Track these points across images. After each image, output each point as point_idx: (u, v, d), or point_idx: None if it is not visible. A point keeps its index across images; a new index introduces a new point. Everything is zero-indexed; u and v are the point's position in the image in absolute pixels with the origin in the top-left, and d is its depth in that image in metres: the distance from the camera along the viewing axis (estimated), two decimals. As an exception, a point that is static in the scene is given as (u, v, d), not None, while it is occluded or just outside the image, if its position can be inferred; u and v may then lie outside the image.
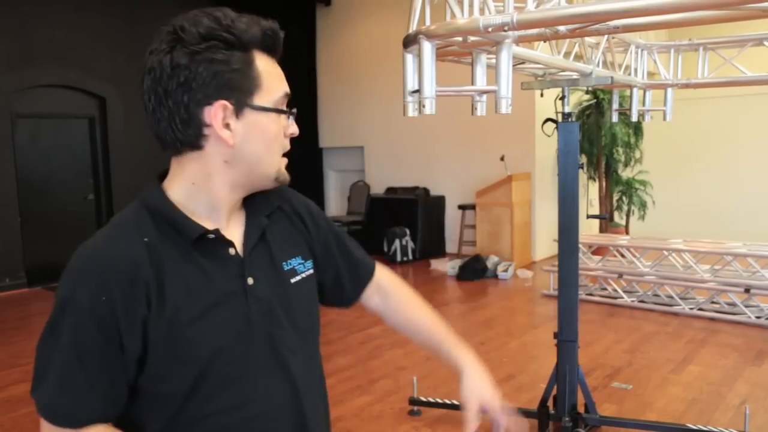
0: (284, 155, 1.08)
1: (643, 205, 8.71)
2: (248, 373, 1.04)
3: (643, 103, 4.00)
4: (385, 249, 8.43)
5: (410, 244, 8.56)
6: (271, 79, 1.03)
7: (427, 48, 2.33)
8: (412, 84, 2.57)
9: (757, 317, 5.33)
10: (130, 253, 0.97)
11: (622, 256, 6.37)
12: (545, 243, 8.26)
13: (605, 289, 6.32)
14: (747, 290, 5.37)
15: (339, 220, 9.06)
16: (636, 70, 3.80)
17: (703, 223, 9.27)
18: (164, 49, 0.97)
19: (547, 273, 6.53)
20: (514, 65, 2.74)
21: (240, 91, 1.00)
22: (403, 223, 8.60)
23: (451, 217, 8.85)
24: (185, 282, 0.99)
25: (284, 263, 1.12)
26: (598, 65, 3.29)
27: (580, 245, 4.35)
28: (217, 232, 1.04)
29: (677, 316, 5.62)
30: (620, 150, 8.41)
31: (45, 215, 7.69)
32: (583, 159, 7.78)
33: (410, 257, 8.52)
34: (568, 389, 3.27)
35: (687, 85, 3.94)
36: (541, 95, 3.62)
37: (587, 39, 3.19)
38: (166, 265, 0.99)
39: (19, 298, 7.08)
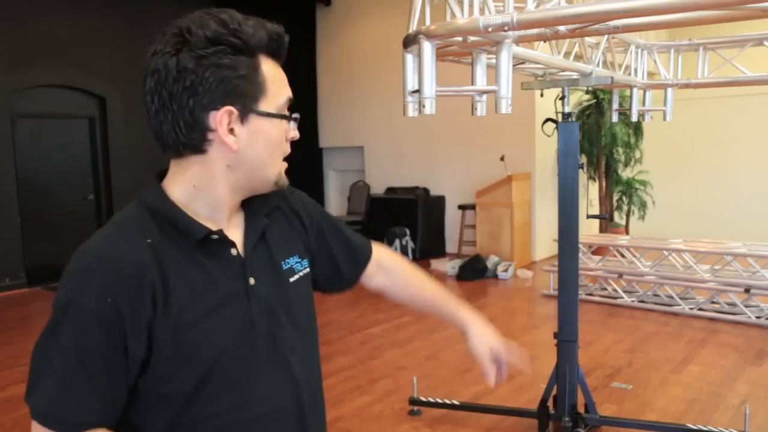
0: (284, 158, 1.09)
1: (643, 205, 8.71)
2: (250, 373, 1.04)
3: (643, 103, 4.00)
4: (385, 249, 8.44)
5: (410, 244, 8.56)
6: (275, 84, 1.03)
7: (427, 48, 2.33)
8: (412, 84, 2.58)
9: (757, 317, 5.33)
10: (134, 254, 0.96)
11: (622, 256, 6.37)
12: (545, 243, 8.25)
13: (605, 289, 6.32)
14: (747, 290, 5.36)
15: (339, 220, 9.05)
16: (636, 70, 3.80)
17: (703, 223, 9.26)
18: (170, 51, 0.95)
19: (547, 273, 6.53)
20: (514, 65, 2.74)
21: (246, 97, 0.99)
22: (403, 223, 8.60)
23: (451, 217, 8.85)
24: (189, 283, 0.99)
25: (283, 263, 1.13)
26: (598, 65, 3.28)
27: (580, 245, 4.35)
28: (220, 232, 1.04)
29: (677, 316, 5.62)
30: (620, 150, 8.41)
31: (45, 215, 7.69)
32: (583, 159, 7.77)
33: (410, 257, 8.52)
34: (568, 389, 3.27)
35: (687, 85, 3.94)
36: (541, 95, 3.62)
37: (587, 39, 3.19)
38: (170, 266, 0.98)
39: (19, 298, 7.08)
